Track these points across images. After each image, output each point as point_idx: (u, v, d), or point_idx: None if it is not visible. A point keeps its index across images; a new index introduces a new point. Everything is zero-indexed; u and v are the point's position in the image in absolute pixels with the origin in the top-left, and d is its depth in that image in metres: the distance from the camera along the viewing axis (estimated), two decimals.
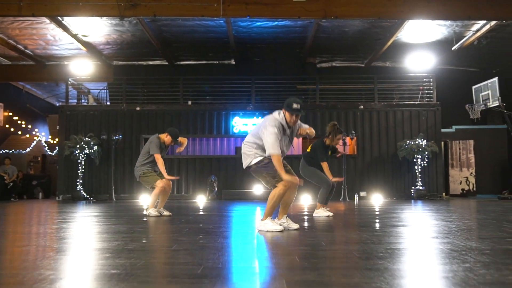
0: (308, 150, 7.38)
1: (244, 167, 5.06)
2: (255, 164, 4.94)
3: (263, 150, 4.89)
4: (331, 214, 7.02)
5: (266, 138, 4.79)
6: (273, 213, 4.99)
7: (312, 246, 3.95)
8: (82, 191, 14.26)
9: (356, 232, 5.02)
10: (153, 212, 7.15)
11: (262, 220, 4.98)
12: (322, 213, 6.97)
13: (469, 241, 4.04)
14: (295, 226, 5.15)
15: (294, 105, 4.88)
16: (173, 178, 7.42)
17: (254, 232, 4.96)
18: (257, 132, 5.00)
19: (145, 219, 6.69)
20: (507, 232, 4.87)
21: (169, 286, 2.46)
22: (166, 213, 7.27)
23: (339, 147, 7.26)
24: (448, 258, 3.15)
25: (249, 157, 4.97)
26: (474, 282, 2.41)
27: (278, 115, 4.97)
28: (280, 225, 5.02)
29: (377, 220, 6.48)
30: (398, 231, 4.96)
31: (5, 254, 3.67)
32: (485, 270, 2.74)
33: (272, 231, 4.81)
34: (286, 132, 4.99)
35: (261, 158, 4.91)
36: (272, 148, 4.74)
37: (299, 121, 5.22)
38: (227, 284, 2.46)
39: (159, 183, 7.09)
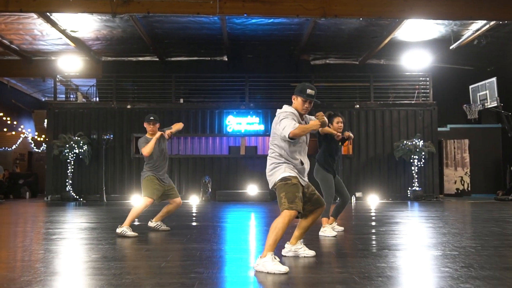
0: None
1: (270, 187, 4.27)
2: (279, 180, 4.14)
3: (284, 154, 4.22)
4: (336, 233, 6.05)
5: (280, 128, 4.11)
6: (275, 248, 3.92)
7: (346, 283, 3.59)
8: (71, 191, 13.85)
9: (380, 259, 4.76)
10: (128, 232, 5.87)
11: (261, 257, 3.90)
12: (328, 233, 5.93)
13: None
14: (311, 253, 4.47)
15: (309, 91, 4.21)
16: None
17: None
18: (272, 136, 4.30)
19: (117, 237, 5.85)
20: None
21: None
22: (164, 227, 6.45)
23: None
24: None
25: (273, 175, 4.23)
26: None
27: (287, 108, 4.31)
28: (295, 252, 4.42)
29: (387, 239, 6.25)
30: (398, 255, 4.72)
31: None
32: None
33: (274, 273, 3.73)
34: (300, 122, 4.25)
35: (282, 168, 4.19)
36: (288, 129, 4.01)
37: (307, 115, 4.45)
38: None
39: (146, 201, 6.13)
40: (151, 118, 6.43)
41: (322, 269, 4.04)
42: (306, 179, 4.31)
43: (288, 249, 4.50)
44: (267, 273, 3.73)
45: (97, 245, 5.17)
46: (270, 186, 4.25)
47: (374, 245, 5.22)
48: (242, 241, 5.86)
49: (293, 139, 4.08)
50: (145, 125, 6.47)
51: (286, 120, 4.10)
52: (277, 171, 4.19)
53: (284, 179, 4.11)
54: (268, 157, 4.31)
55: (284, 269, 3.77)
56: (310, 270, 3.98)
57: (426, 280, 3.56)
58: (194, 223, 7.71)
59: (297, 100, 4.26)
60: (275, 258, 3.83)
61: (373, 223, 7.57)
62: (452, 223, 7.54)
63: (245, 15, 11.57)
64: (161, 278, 3.52)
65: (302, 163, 4.26)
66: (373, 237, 6.01)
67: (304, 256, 4.43)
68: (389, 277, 3.54)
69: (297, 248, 4.48)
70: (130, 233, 5.83)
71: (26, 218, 8.81)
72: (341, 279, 3.52)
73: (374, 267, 3.90)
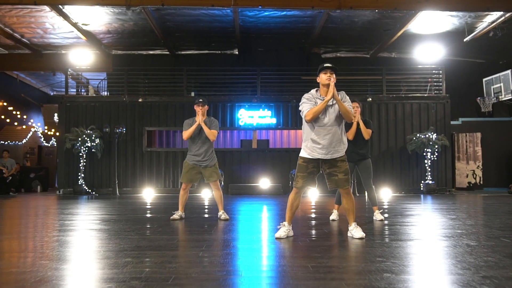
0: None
1: None
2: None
3: (305, 136, 5.05)
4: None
5: (301, 113, 4.94)
6: (288, 218, 5.06)
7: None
8: (83, 185, 13.84)
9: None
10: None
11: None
12: (377, 216, 6.64)
13: None
14: (358, 234, 4.95)
15: (325, 64, 4.94)
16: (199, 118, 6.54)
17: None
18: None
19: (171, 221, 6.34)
20: None
21: None
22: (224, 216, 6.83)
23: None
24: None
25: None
26: None
27: (312, 90, 5.08)
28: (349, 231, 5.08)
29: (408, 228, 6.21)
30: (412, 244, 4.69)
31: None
32: None
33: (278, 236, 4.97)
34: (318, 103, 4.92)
35: (302, 149, 5.09)
36: (306, 111, 4.85)
37: (344, 94, 5.03)
38: None
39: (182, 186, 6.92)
40: (200, 100, 6.68)
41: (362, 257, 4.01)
42: (328, 157, 4.93)
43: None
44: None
45: (127, 236, 5.15)
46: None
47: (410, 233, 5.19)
48: (264, 231, 5.82)
49: (309, 121, 4.87)
50: (195, 107, 6.71)
51: (301, 106, 4.95)
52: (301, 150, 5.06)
53: (299, 158, 5.07)
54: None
55: (278, 234, 4.96)
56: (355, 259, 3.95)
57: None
58: (214, 215, 7.67)
59: (320, 78, 4.98)
60: (284, 225, 5.02)
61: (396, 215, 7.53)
62: (475, 214, 7.49)
63: (259, 7, 11.48)
64: (204, 267, 3.49)
65: (321, 144, 4.90)
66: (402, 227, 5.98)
67: (352, 237, 4.99)
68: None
69: (350, 229, 5.10)
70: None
71: (46, 210, 8.79)
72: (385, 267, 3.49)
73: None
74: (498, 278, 3.09)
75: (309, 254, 4.04)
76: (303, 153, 5.03)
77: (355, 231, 4.98)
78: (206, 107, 6.69)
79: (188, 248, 4.49)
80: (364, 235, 4.97)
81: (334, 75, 4.88)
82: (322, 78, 4.94)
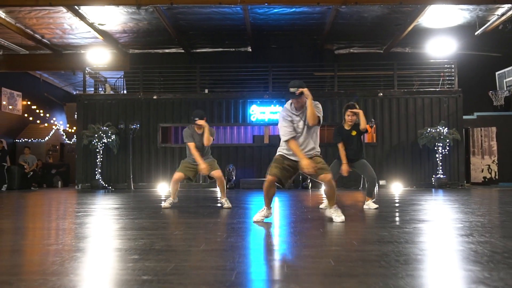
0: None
1: None
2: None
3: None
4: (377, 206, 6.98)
5: (279, 131, 5.20)
6: (265, 202, 5.29)
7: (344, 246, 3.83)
8: (100, 180, 14.30)
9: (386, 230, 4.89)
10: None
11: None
12: (371, 205, 6.94)
13: None
14: (339, 219, 5.21)
15: (291, 89, 5.02)
16: (202, 165, 6.96)
17: (268, 226, 4.91)
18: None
19: (161, 212, 6.63)
20: None
21: None
22: (226, 205, 7.18)
23: (349, 119, 6.90)
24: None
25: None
26: None
27: (287, 104, 5.23)
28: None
29: (401, 214, 6.34)
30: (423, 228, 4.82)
31: (27, 253, 3.63)
32: None
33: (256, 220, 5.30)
34: (294, 118, 5.14)
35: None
36: (284, 136, 5.12)
37: (312, 102, 5.07)
38: None
39: (175, 175, 7.26)
40: (196, 118, 7.03)
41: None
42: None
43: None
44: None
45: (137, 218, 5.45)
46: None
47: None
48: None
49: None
50: (197, 122, 7.04)
51: (280, 125, 5.21)
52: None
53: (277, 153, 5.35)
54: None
55: (255, 218, 5.30)
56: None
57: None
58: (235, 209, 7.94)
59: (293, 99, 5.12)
60: (262, 211, 5.32)
61: (397, 205, 7.65)
62: (480, 207, 7.55)
63: (266, 4, 11.69)
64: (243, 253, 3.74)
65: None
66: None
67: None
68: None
69: (331, 212, 5.38)
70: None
71: (61, 201, 9.21)
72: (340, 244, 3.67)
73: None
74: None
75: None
76: (281, 151, 5.31)
77: (335, 215, 5.27)
78: (203, 120, 7.06)
79: (188, 227, 4.76)
80: (344, 219, 5.20)
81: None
82: (295, 104, 5.17)
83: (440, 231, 4.58)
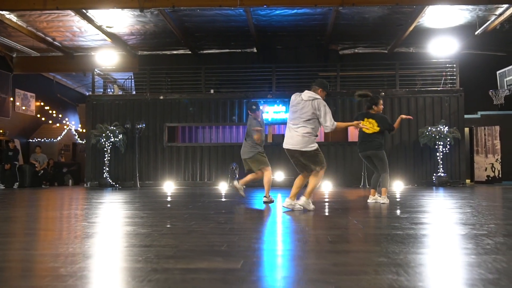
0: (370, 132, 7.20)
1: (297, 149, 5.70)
2: (315, 150, 5.76)
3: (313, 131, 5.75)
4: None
5: (325, 116, 5.68)
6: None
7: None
8: (108, 178, 14.72)
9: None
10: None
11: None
12: (380, 199, 7.13)
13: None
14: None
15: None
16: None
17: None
18: (306, 113, 5.69)
19: (168, 205, 6.96)
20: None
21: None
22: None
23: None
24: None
25: (306, 144, 5.68)
26: None
27: (319, 96, 5.84)
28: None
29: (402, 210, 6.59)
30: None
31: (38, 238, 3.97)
32: None
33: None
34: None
35: (313, 140, 5.78)
36: (332, 119, 5.74)
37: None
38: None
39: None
40: (253, 107, 7.64)
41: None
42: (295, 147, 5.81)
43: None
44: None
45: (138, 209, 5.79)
46: (297, 148, 5.66)
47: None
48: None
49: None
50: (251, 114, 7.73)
51: (328, 110, 5.74)
52: (311, 142, 5.69)
53: (318, 149, 5.80)
54: (298, 128, 5.69)
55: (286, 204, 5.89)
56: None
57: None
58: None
59: (322, 93, 5.88)
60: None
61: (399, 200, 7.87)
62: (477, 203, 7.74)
63: (264, 6, 11.98)
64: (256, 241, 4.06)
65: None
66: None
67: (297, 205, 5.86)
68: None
69: (302, 199, 5.88)
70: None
71: (70, 197, 9.61)
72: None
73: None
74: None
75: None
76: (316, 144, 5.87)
77: (305, 203, 5.84)
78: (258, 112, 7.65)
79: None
80: (314, 207, 5.85)
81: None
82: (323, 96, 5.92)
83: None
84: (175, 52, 17.90)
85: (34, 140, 18.23)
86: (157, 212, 5.87)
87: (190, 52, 17.54)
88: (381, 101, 7.36)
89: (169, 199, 8.56)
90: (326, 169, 5.92)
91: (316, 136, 5.81)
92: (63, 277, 2.33)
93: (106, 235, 3.82)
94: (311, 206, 5.84)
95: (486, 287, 2.10)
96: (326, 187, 13.27)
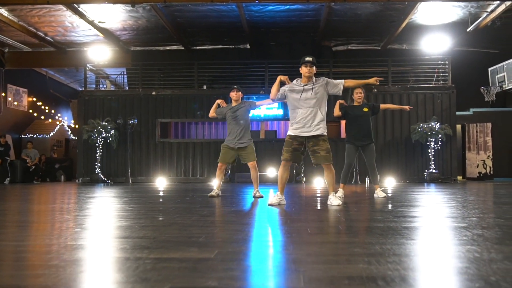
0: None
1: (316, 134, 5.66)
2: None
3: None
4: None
5: (339, 86, 5.72)
6: (279, 188, 5.84)
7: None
8: (100, 174, 14.69)
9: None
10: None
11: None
12: (380, 194, 7.09)
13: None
14: (337, 202, 5.65)
15: (307, 58, 5.69)
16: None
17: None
18: (320, 99, 5.69)
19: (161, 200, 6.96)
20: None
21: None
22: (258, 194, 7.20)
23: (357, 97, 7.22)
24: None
25: (324, 129, 5.70)
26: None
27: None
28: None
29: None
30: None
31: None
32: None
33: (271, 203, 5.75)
34: (297, 89, 5.70)
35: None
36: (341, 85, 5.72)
37: (326, 79, 5.77)
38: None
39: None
40: (235, 86, 7.53)
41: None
42: (310, 134, 5.69)
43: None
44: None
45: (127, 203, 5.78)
46: (317, 134, 5.61)
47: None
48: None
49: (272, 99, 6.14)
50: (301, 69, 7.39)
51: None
52: (324, 126, 5.69)
53: (286, 135, 5.84)
54: (316, 113, 5.63)
55: (270, 201, 5.76)
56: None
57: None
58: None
59: (301, 69, 5.70)
60: (277, 196, 5.77)
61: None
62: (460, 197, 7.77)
63: (256, 1, 11.97)
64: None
65: (300, 123, 5.77)
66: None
67: (331, 204, 5.67)
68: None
69: (329, 197, 5.79)
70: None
71: (61, 193, 9.59)
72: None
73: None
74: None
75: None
76: (289, 132, 5.82)
77: (333, 200, 5.68)
78: (239, 93, 7.47)
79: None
80: (341, 203, 5.67)
81: (314, 68, 5.71)
82: (303, 70, 5.71)
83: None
84: (168, 47, 17.86)
85: (26, 136, 18.16)
86: (143, 206, 5.87)
87: (183, 48, 17.50)
88: (356, 90, 7.18)
89: (158, 194, 8.57)
90: (283, 165, 5.84)
91: (292, 123, 5.76)
92: (33, 267, 2.32)
93: (85, 228, 3.81)
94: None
95: (454, 275, 2.11)
96: (319, 183, 13.28)
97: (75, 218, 4.42)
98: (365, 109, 7.08)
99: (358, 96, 7.12)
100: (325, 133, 5.69)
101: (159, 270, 2.17)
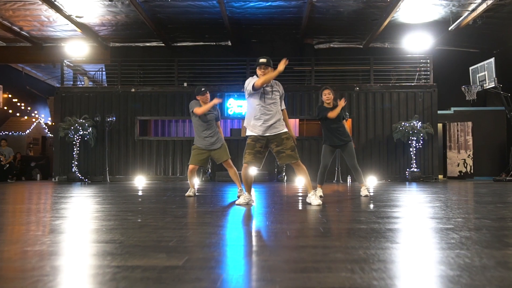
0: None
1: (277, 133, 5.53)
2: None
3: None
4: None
5: (249, 88, 5.53)
6: (246, 188, 5.71)
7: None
8: (77, 172, 14.31)
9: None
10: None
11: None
12: (363, 192, 7.05)
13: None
14: (317, 202, 5.55)
15: (261, 60, 5.50)
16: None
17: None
18: (278, 100, 5.66)
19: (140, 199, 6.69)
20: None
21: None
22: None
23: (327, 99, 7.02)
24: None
25: (283, 127, 5.59)
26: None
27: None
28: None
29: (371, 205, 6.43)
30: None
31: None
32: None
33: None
34: (257, 90, 5.42)
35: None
36: (254, 82, 5.47)
37: (277, 82, 5.72)
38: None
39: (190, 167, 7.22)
40: (202, 89, 7.28)
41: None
42: (272, 133, 5.54)
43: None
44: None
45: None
46: (280, 132, 5.50)
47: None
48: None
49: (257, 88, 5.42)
50: (198, 97, 7.30)
51: (248, 84, 5.56)
52: (284, 124, 5.62)
53: (247, 138, 5.64)
54: (275, 113, 5.49)
55: (238, 202, 5.66)
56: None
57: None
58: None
59: (257, 71, 5.51)
60: (245, 196, 5.65)
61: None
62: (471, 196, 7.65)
63: None
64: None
65: (261, 121, 5.57)
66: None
67: (310, 204, 5.59)
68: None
69: (308, 196, 5.69)
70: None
71: (35, 192, 9.25)
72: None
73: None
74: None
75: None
76: (249, 132, 5.60)
77: (313, 199, 5.56)
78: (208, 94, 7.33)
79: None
80: (321, 202, 5.57)
81: (269, 69, 5.50)
82: (258, 72, 5.53)
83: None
84: (148, 44, 17.54)
85: (1, 134, 17.64)
86: (116, 206, 5.60)
87: (163, 44, 17.19)
88: (326, 91, 7.03)
89: (135, 193, 8.30)
90: (245, 168, 5.60)
91: (252, 121, 5.56)
92: None
93: (49, 231, 3.54)
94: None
95: (446, 285, 1.92)
96: (300, 182, 13.11)
97: (39, 220, 4.15)
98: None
99: (327, 97, 6.97)
100: (286, 130, 5.60)
101: (118, 281, 1.94)
